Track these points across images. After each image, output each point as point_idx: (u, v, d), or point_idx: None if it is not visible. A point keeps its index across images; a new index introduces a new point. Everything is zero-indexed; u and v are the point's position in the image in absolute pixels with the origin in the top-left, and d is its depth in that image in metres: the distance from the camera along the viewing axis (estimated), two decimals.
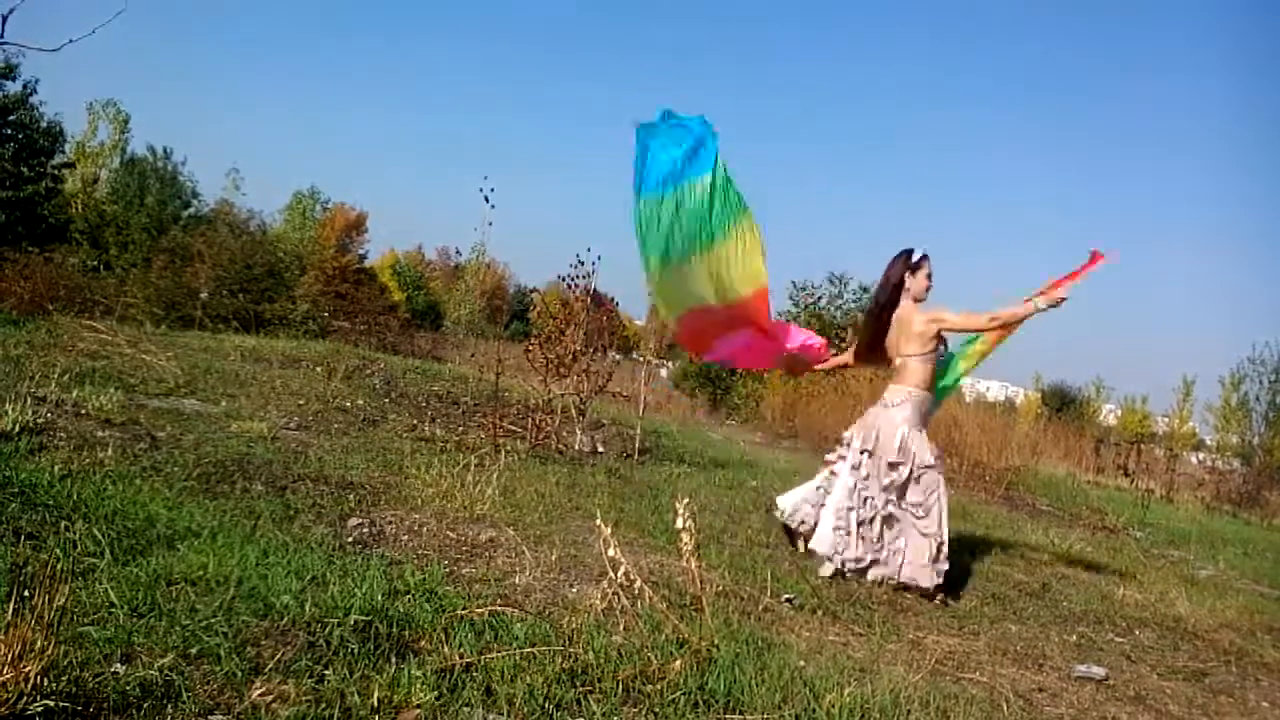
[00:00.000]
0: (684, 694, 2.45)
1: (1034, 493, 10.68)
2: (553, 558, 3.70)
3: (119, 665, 2.09)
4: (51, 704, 1.86)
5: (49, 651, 1.92)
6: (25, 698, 1.85)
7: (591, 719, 2.28)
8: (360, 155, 77.93)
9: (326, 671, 2.25)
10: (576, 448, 7.12)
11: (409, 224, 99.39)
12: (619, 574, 2.82)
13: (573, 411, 7.51)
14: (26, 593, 2.03)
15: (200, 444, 4.64)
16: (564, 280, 7.71)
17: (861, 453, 4.51)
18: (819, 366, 5.17)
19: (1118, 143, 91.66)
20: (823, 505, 4.63)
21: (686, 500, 2.90)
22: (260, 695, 2.07)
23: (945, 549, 4.41)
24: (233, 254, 17.00)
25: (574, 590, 3.34)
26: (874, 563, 4.44)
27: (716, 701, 2.47)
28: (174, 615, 2.41)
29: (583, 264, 7.56)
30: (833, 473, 4.69)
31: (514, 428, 7.12)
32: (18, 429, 4.06)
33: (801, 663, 2.94)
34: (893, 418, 4.50)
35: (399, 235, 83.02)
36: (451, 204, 74.92)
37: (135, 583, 2.58)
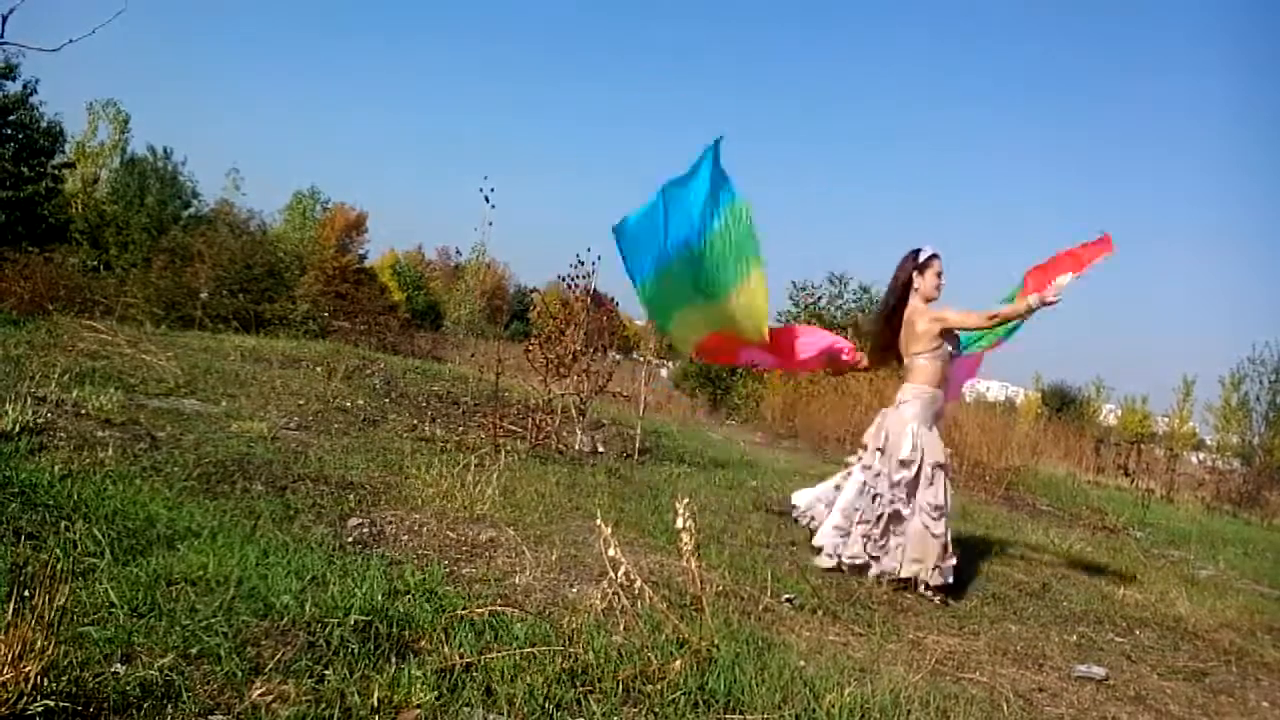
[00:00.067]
0: (684, 694, 2.45)
1: (1034, 493, 10.68)
2: (553, 558, 3.70)
3: (119, 665, 2.09)
4: (51, 704, 1.86)
5: (49, 651, 1.92)
6: (25, 698, 1.85)
7: (591, 719, 2.28)
8: (360, 155, 78.01)
9: (326, 671, 2.25)
10: (576, 448, 7.12)
11: (409, 224, 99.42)
12: (619, 574, 2.82)
13: (573, 411, 7.51)
14: (26, 593, 2.03)
15: (200, 444, 4.64)
16: (564, 280, 7.71)
17: (874, 451, 4.55)
18: (858, 369, 5.20)
19: (1118, 143, 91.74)
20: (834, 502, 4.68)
21: (686, 500, 2.90)
22: (260, 695, 2.07)
23: (950, 548, 4.42)
24: (233, 254, 17.00)
25: (574, 590, 3.34)
26: (874, 559, 4.46)
27: (716, 701, 2.47)
28: (174, 615, 2.41)
29: (583, 264, 7.57)
30: (850, 473, 4.72)
31: (514, 428, 7.12)
32: (18, 429, 4.06)
33: (801, 663, 2.94)
34: (902, 415, 4.51)
35: (399, 235, 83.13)
36: (451, 204, 75.00)
37: (135, 583, 2.58)
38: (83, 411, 4.76)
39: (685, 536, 2.87)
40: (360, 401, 7.17)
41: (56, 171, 25.22)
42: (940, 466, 4.42)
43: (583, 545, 3.97)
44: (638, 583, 2.82)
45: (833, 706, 2.51)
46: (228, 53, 72.87)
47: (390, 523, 3.93)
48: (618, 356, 8.88)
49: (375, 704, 2.12)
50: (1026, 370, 37.27)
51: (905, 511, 4.42)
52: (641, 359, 9.70)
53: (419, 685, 2.23)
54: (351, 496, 4.23)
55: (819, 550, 4.60)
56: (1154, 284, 74.42)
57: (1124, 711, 3.24)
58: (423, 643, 2.54)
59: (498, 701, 2.26)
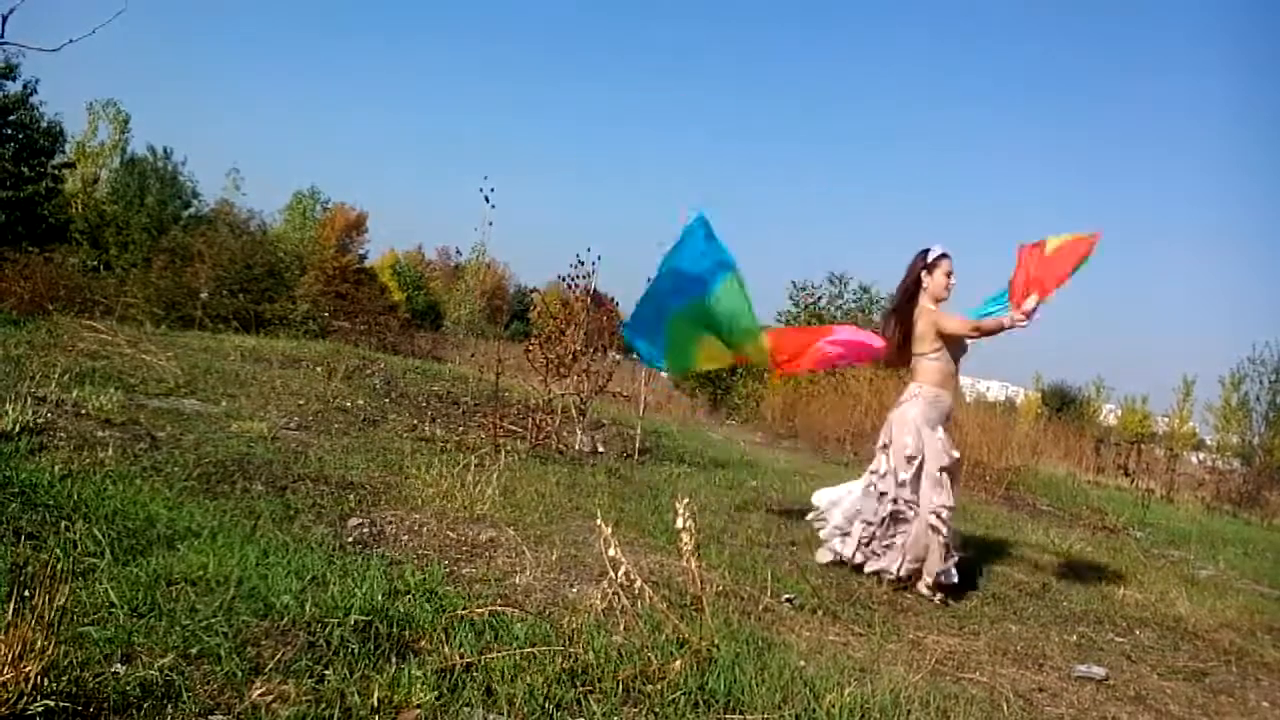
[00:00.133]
0: (684, 694, 2.45)
1: (1034, 493, 10.68)
2: (553, 558, 3.70)
3: (119, 665, 2.09)
4: (51, 704, 1.86)
5: (49, 651, 1.92)
6: (25, 698, 1.85)
7: (591, 719, 2.28)
8: (360, 155, 77.90)
9: (326, 671, 2.25)
10: (577, 448, 7.12)
11: (409, 224, 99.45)
12: (619, 574, 2.82)
13: (573, 411, 7.51)
14: (27, 593, 2.03)
15: (200, 444, 4.64)
16: (564, 280, 7.72)
17: (881, 449, 4.58)
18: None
19: (1118, 143, 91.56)
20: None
21: (686, 500, 2.90)
22: (260, 695, 2.07)
23: (953, 550, 4.43)
24: (233, 254, 17.00)
25: (574, 590, 3.34)
26: (874, 557, 4.48)
27: (716, 701, 2.47)
28: (174, 615, 2.41)
29: (583, 264, 7.58)
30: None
31: (514, 428, 7.12)
32: (18, 429, 4.06)
33: (801, 663, 2.94)
34: (905, 413, 4.53)
35: (399, 235, 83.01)
36: (451, 204, 74.82)
37: (135, 583, 2.58)
38: (83, 411, 4.76)
39: (685, 536, 2.87)
40: (360, 401, 7.17)
41: (56, 171, 25.25)
42: (946, 469, 4.40)
43: (583, 545, 3.97)
44: (638, 583, 2.82)
45: (833, 706, 2.51)
46: (228, 53, 72.82)
47: (390, 523, 3.94)
48: (618, 356, 8.87)
49: (375, 704, 2.12)
50: (1026, 370, 37.33)
51: (909, 513, 4.42)
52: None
53: (419, 685, 2.23)
54: (351, 496, 4.23)
55: (822, 545, 4.68)
56: (1154, 284, 74.42)
57: (1124, 711, 3.24)
58: (423, 643, 2.54)
59: (498, 701, 2.26)
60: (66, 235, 26.48)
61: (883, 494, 4.48)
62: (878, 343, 5.00)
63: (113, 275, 22.21)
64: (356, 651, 2.38)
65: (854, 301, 19.17)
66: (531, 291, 17.88)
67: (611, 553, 2.79)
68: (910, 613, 4.09)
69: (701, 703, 2.45)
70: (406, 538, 3.77)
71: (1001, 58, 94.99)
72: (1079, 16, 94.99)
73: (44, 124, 24.82)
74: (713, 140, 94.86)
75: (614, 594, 2.93)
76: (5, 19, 3.56)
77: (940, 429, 4.49)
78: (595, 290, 7.74)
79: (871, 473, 4.61)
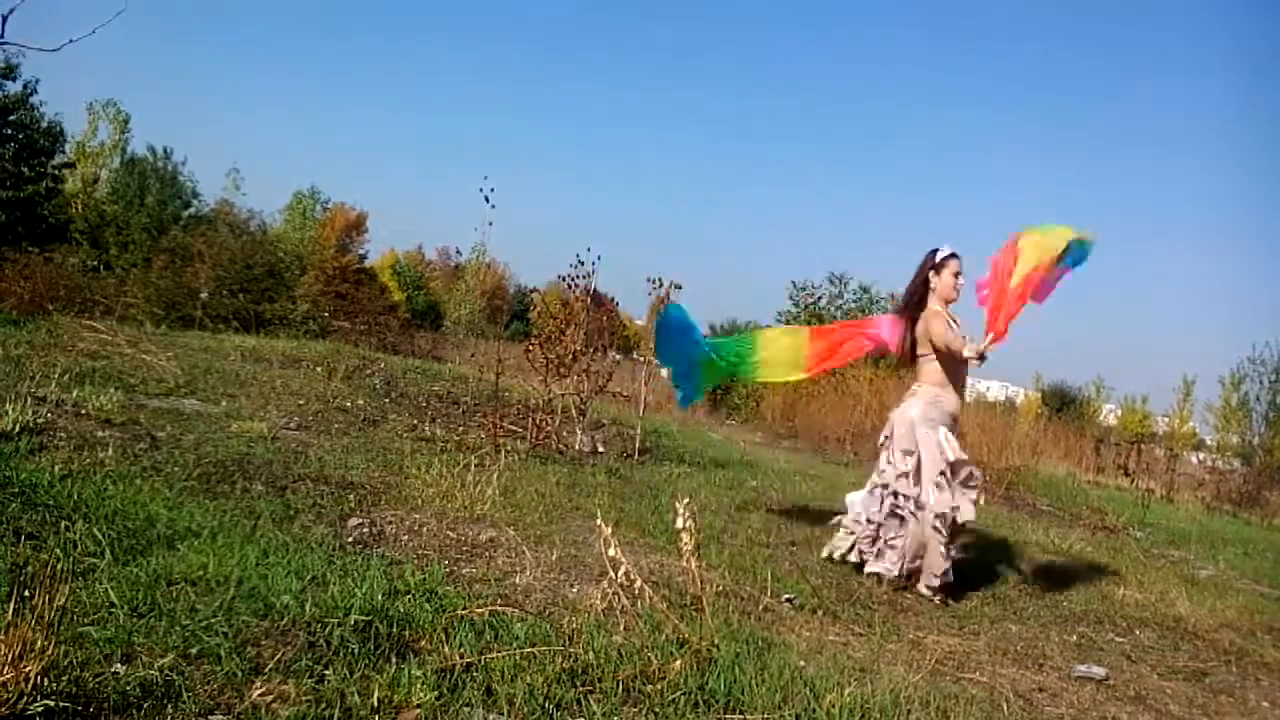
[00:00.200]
0: (684, 694, 2.45)
1: (1034, 493, 10.68)
2: (553, 558, 3.70)
3: (119, 665, 2.09)
4: (52, 704, 1.86)
5: (49, 651, 1.92)
6: (25, 698, 1.85)
7: (591, 719, 2.28)
8: (360, 155, 77.94)
9: (326, 671, 2.25)
10: (577, 448, 7.12)
11: (409, 224, 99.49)
12: (619, 574, 2.82)
13: (573, 411, 7.51)
14: (26, 593, 2.03)
15: (200, 444, 4.64)
16: (564, 280, 7.71)
17: (882, 443, 4.63)
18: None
19: (1118, 143, 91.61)
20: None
21: (686, 500, 2.90)
22: (260, 695, 2.07)
23: (952, 551, 4.43)
24: (233, 254, 16.99)
25: (574, 590, 3.34)
26: (875, 557, 4.49)
27: (716, 701, 2.47)
28: (174, 615, 2.41)
29: (583, 264, 7.57)
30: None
31: (514, 428, 7.12)
32: (18, 429, 4.06)
33: (801, 663, 2.94)
34: (904, 411, 4.57)
35: (399, 235, 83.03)
36: (451, 204, 74.86)
37: (135, 583, 2.58)
38: (83, 411, 4.76)
39: (685, 536, 2.87)
40: (360, 401, 7.17)
41: (56, 171, 25.26)
42: (947, 470, 4.39)
43: (583, 545, 3.97)
44: (638, 583, 2.82)
45: (833, 706, 2.51)
46: (228, 53, 72.89)
47: (390, 523, 3.94)
48: (618, 356, 8.89)
49: (375, 704, 2.12)
50: (1026, 370, 37.30)
51: (905, 511, 4.42)
52: (641, 359, 9.69)
53: (419, 685, 2.23)
54: (351, 496, 4.23)
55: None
56: (1154, 284, 74.45)
57: (1124, 711, 3.24)
58: (423, 643, 2.54)
59: (498, 701, 2.26)
60: (66, 235, 26.47)
61: (883, 492, 4.50)
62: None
63: (113, 275, 22.20)
64: (356, 651, 2.38)
65: (854, 301, 19.16)
66: (531, 291, 17.86)
67: (611, 553, 2.79)
68: (910, 613, 4.09)
69: (701, 703, 2.45)
70: (406, 538, 3.77)
71: (1001, 58, 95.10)
72: (1079, 16, 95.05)
73: (44, 124, 24.83)
74: (713, 140, 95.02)
75: (614, 594, 2.93)
76: (5, 19, 3.56)
77: (942, 429, 4.48)
78: (595, 290, 7.74)
79: (879, 472, 4.64)
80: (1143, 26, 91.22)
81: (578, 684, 2.42)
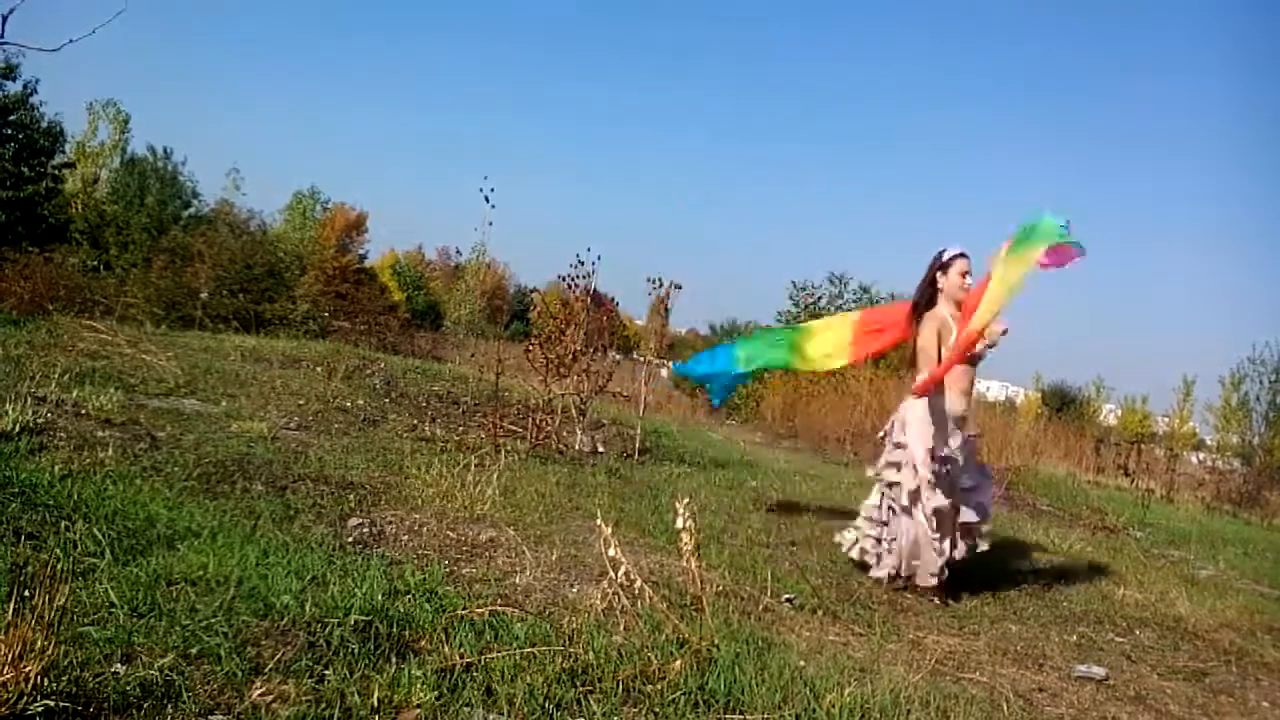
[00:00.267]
0: (684, 694, 2.45)
1: (1034, 493, 10.67)
2: (553, 558, 3.70)
3: (119, 665, 2.09)
4: (52, 704, 1.86)
5: (49, 651, 1.92)
6: (25, 698, 1.85)
7: (591, 719, 2.28)
8: (360, 155, 77.98)
9: (326, 671, 2.25)
10: (577, 448, 7.12)
11: (409, 224, 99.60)
12: (619, 574, 2.82)
13: (573, 411, 7.51)
14: (27, 593, 2.03)
15: (200, 444, 4.64)
16: (564, 280, 7.71)
17: (880, 438, 4.67)
18: None
19: (1118, 143, 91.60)
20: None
21: (686, 500, 2.90)
22: (260, 695, 2.07)
23: (946, 551, 4.43)
24: (233, 254, 16.99)
25: (574, 590, 3.34)
26: (877, 558, 4.49)
27: (716, 701, 2.47)
28: (174, 615, 2.41)
29: (583, 264, 7.57)
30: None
31: (514, 428, 7.12)
32: (18, 429, 4.06)
33: (801, 663, 2.94)
34: (903, 410, 4.60)
35: (399, 235, 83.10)
36: (451, 204, 74.94)
37: (135, 583, 2.58)
38: (83, 411, 4.76)
39: (685, 536, 2.87)
40: (360, 401, 7.17)
41: (56, 171, 25.26)
42: (940, 470, 4.39)
43: (583, 545, 3.97)
44: (638, 583, 2.82)
45: (833, 706, 2.51)
46: (228, 53, 72.96)
47: (390, 523, 3.94)
48: (618, 356, 8.89)
49: (375, 704, 2.12)
50: (1026, 370, 37.26)
51: (899, 505, 4.44)
52: (641, 359, 9.69)
53: (419, 685, 2.23)
54: (351, 496, 4.23)
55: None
56: (1154, 284, 74.42)
57: (1124, 711, 3.24)
58: (423, 643, 2.54)
59: (498, 701, 2.26)
60: (66, 235, 26.47)
61: (883, 489, 4.54)
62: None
63: (113, 275, 22.20)
64: (356, 651, 2.38)
65: (854, 301, 19.18)
66: (531, 291, 17.88)
67: (611, 553, 2.79)
68: (910, 613, 4.09)
69: (701, 703, 2.45)
70: (406, 538, 3.77)
71: (1001, 58, 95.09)
72: (1079, 16, 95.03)
73: (44, 124, 24.82)
74: (713, 140, 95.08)
75: (614, 594, 2.93)
76: (5, 19, 3.56)
77: (943, 428, 4.48)
78: (595, 290, 7.74)
79: (877, 470, 4.68)
80: (1143, 26, 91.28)
81: (578, 684, 2.42)
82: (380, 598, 2.76)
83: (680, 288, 8.19)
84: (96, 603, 2.39)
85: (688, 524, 2.85)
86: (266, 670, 2.20)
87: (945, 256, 4.58)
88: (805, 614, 3.67)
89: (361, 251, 45.49)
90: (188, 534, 3.13)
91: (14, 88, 23.61)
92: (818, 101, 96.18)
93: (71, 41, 3.78)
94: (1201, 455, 25.25)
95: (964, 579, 4.63)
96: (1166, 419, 32.56)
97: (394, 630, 2.55)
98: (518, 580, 3.36)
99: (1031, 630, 4.11)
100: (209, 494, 3.81)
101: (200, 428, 5.05)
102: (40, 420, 4.31)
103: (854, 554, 4.66)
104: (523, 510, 4.50)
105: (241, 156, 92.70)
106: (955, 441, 4.45)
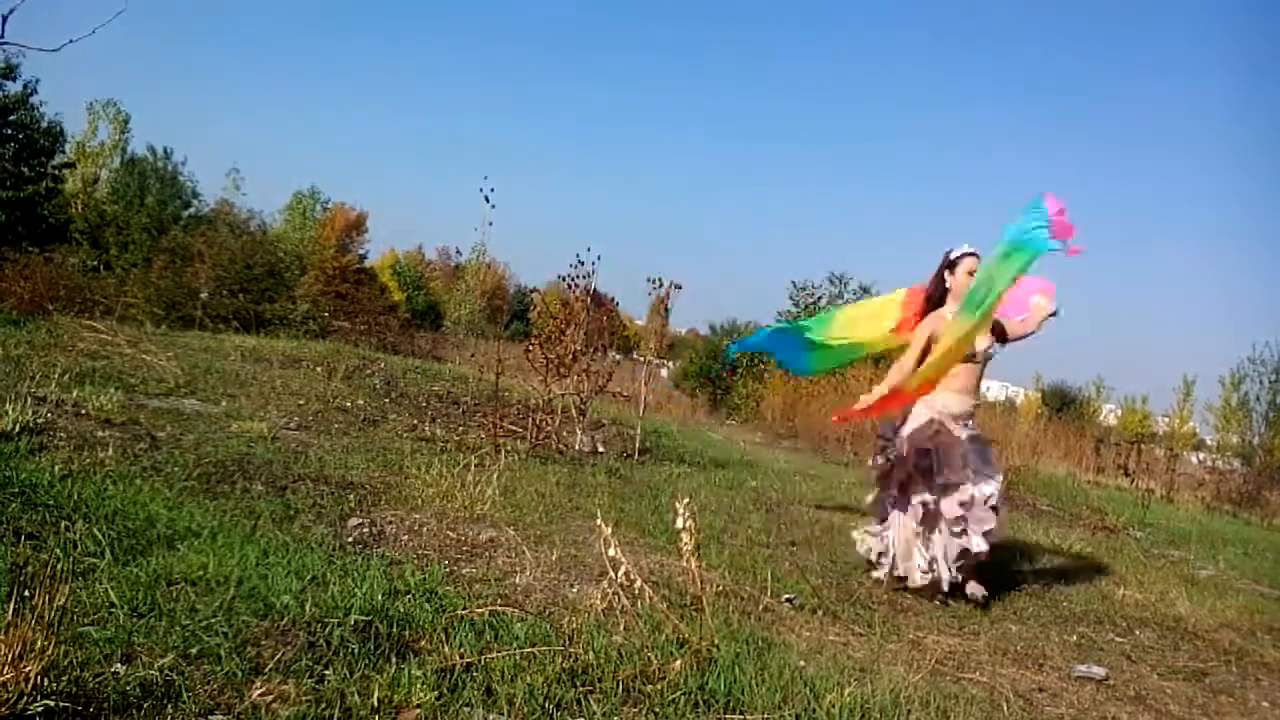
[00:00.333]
0: (684, 694, 2.45)
1: (1034, 493, 10.67)
2: (553, 558, 3.70)
3: (119, 665, 2.09)
4: (51, 704, 1.86)
5: (49, 651, 1.92)
6: (25, 698, 1.85)
7: (592, 719, 2.28)
8: (360, 155, 77.97)
9: (326, 671, 2.25)
10: (577, 448, 7.12)
11: (409, 224, 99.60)
12: (619, 574, 2.82)
13: (573, 411, 7.51)
14: (26, 593, 2.03)
15: (200, 444, 4.64)
16: (564, 280, 7.71)
17: (881, 437, 4.71)
18: None
19: (1118, 142, 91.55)
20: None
21: (686, 500, 2.90)
22: (260, 695, 2.07)
23: (941, 543, 4.44)
24: (233, 254, 16.98)
25: (574, 590, 3.34)
26: (880, 558, 4.50)
27: (716, 701, 2.47)
28: (174, 615, 2.41)
29: (583, 264, 7.58)
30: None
31: (514, 428, 7.12)
32: (18, 429, 4.06)
33: (801, 663, 2.94)
34: (904, 412, 4.60)
35: (399, 235, 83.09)
36: (451, 204, 74.97)
37: (135, 583, 2.58)
38: (83, 411, 4.76)
39: (685, 536, 2.87)
40: (360, 401, 7.17)
41: (57, 171, 25.24)
42: (925, 465, 4.39)
43: (583, 545, 3.97)
44: (638, 583, 2.82)
45: (833, 706, 2.51)
46: (228, 53, 72.95)
47: (390, 523, 3.94)
48: (618, 356, 8.90)
49: (375, 704, 2.12)
50: (1026, 370, 37.20)
51: (889, 501, 4.47)
52: (641, 359, 9.69)
53: (419, 685, 2.23)
54: (351, 496, 4.23)
55: None
56: (1154, 284, 74.32)
57: (1124, 711, 3.24)
58: (423, 643, 2.54)
59: (498, 701, 2.26)
60: (66, 235, 26.45)
61: (892, 482, 4.54)
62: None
63: (113, 275, 22.19)
64: (356, 651, 2.38)
65: (854, 302, 19.18)
66: (531, 291, 17.87)
67: (611, 553, 2.79)
68: (910, 613, 4.09)
69: (701, 703, 2.45)
70: (406, 538, 3.77)
71: (1001, 58, 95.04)
72: (1079, 16, 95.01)
73: (44, 124, 24.80)
74: (713, 140, 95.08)
75: (614, 594, 2.93)
76: (5, 19, 3.56)
77: (917, 425, 4.49)
78: (595, 290, 7.74)
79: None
80: (1143, 26, 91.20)
81: (578, 684, 2.42)
82: (380, 598, 2.76)
83: (680, 288, 8.20)
84: (96, 603, 2.39)
85: (688, 524, 2.85)
86: (266, 670, 2.20)
87: (953, 255, 4.58)
88: (805, 614, 3.67)
89: (361, 251, 45.49)
90: (188, 534, 3.13)
91: (14, 88, 23.61)
92: (818, 101, 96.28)
93: (71, 41, 3.78)
94: (1201, 455, 25.25)
95: (963, 580, 4.62)
96: (1166, 419, 32.53)
97: (394, 630, 2.55)
98: (518, 580, 3.37)
99: (1031, 630, 4.11)
100: (209, 494, 3.81)
101: (200, 428, 5.05)
102: (40, 420, 4.31)
103: (860, 550, 4.67)
104: (523, 510, 4.50)
105: (241, 156, 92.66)
106: (963, 434, 4.45)
